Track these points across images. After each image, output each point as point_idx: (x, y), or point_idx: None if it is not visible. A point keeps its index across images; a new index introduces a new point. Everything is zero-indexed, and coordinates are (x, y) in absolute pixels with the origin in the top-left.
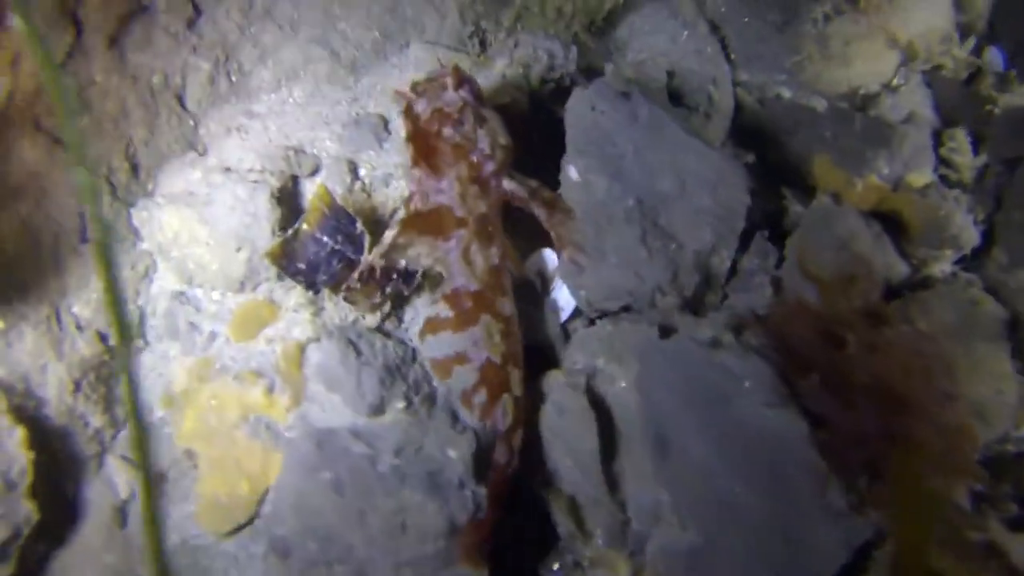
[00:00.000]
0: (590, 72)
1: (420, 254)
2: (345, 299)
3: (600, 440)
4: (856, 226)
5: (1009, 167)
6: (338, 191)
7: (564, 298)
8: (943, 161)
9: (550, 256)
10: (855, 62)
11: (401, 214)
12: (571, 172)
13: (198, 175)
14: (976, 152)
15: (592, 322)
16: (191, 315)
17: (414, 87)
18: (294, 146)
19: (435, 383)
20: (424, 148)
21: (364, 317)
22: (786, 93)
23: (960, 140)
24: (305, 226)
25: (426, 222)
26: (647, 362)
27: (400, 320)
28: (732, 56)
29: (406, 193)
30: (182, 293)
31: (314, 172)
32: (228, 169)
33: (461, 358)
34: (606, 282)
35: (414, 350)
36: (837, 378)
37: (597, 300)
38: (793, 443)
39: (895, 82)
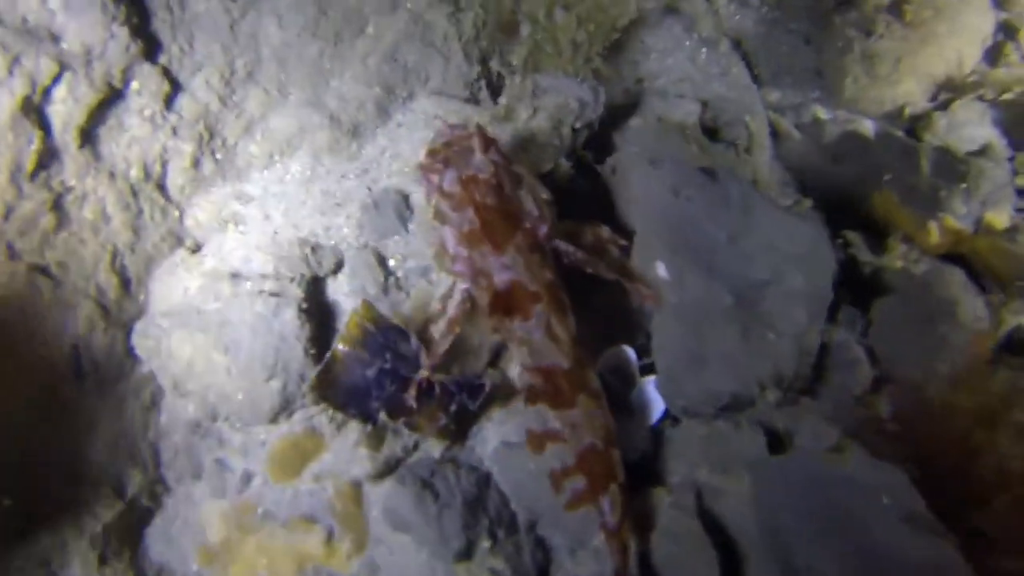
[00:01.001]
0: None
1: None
2: (407, 426)
3: (721, 570)
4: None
5: None
6: (371, 292)
7: (653, 399)
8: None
9: (630, 354)
10: (905, 80)
11: (456, 307)
12: (660, 270)
13: (197, 282)
14: None
15: (675, 419)
16: (215, 450)
17: (433, 155)
18: (307, 239)
19: (512, 505)
20: (470, 224)
21: (429, 443)
22: (823, 114)
23: None
24: (342, 346)
25: (500, 305)
26: (760, 476)
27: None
28: (757, 72)
29: (443, 284)
30: (198, 424)
31: (337, 269)
32: (236, 275)
33: (556, 436)
34: (708, 389)
35: (487, 475)
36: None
37: (697, 406)
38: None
39: (954, 103)
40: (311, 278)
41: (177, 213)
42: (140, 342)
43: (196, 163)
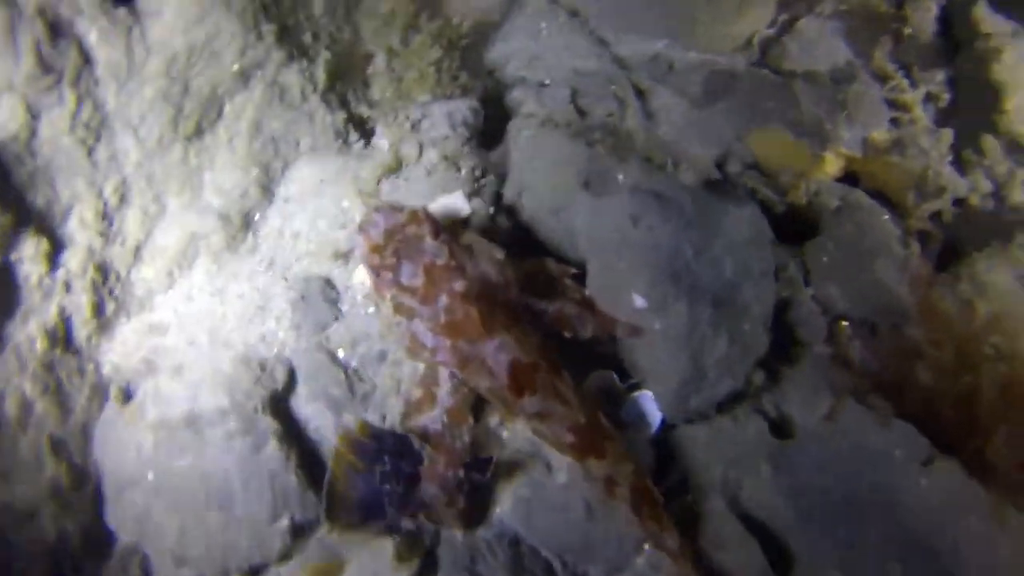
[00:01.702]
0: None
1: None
2: (428, 520)
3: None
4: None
5: (950, 84)
6: (336, 394)
7: (650, 412)
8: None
9: (612, 376)
10: (749, 11)
11: (453, 396)
12: (637, 302)
13: (150, 438)
14: (912, 82)
15: (672, 426)
16: None
17: (379, 250)
18: (247, 356)
19: (543, 553)
20: (447, 315)
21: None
22: (677, 59)
23: (894, 77)
24: (336, 476)
25: (515, 389)
26: (778, 469)
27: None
28: (601, 36)
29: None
30: None
31: (291, 379)
32: (192, 420)
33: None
34: (711, 397)
35: (515, 534)
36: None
37: (701, 410)
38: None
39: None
40: (270, 398)
41: (92, 366)
42: (120, 524)
43: (97, 309)
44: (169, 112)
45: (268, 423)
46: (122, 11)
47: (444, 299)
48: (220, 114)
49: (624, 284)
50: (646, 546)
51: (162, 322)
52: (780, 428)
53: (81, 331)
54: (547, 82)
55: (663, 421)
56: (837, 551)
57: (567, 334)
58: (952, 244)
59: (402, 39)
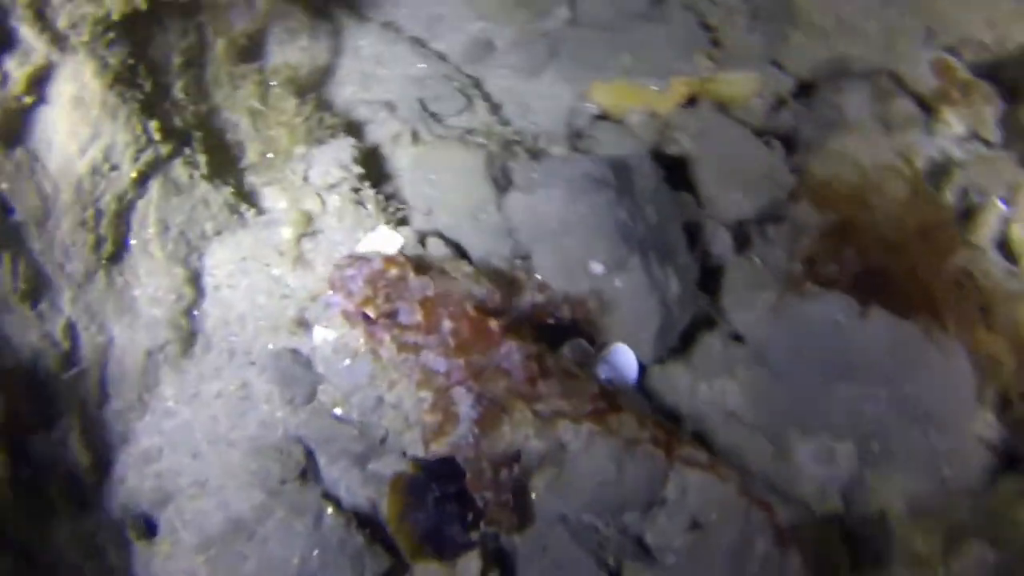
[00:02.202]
0: None
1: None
2: (489, 526)
3: None
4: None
5: None
6: (357, 451)
7: (626, 364)
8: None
9: (583, 342)
10: None
11: (476, 408)
12: (595, 269)
13: (202, 564)
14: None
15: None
16: None
17: (370, 301)
18: (257, 448)
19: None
20: (454, 337)
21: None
22: (495, 38)
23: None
24: (392, 519)
25: (532, 382)
26: (750, 364)
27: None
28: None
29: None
30: None
31: (308, 452)
32: (240, 527)
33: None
34: (678, 331)
35: (560, 514)
36: None
37: (671, 346)
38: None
39: None
40: (300, 476)
41: (99, 515)
42: None
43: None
44: (90, 239)
45: (315, 497)
46: (19, 151)
47: (447, 324)
48: (128, 225)
49: (577, 258)
50: (670, 474)
51: (152, 448)
52: (736, 336)
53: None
54: (390, 98)
55: (641, 369)
56: (821, 410)
57: (550, 321)
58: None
59: (259, 98)
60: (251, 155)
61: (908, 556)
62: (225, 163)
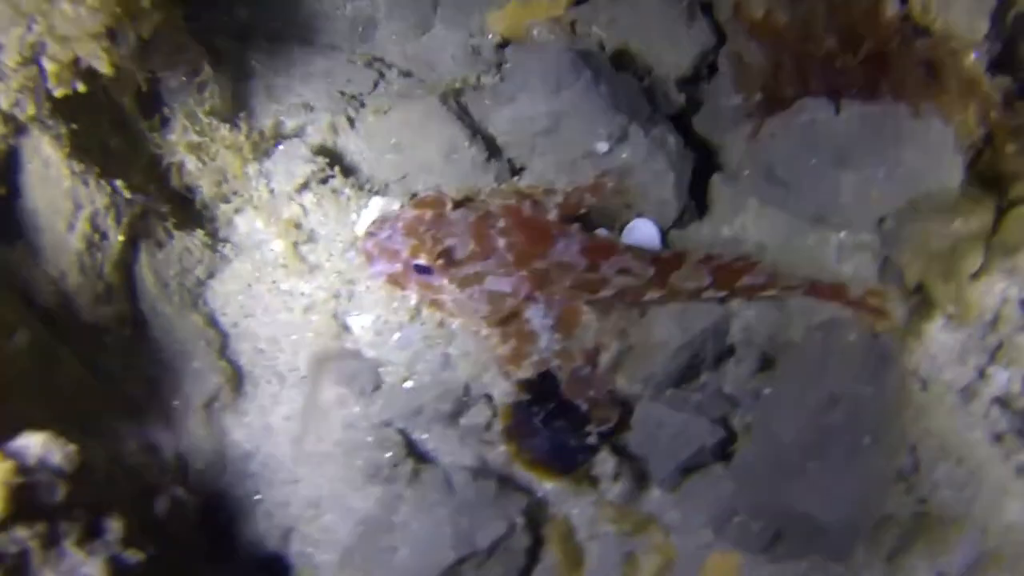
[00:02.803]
0: None
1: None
2: (599, 423)
3: None
4: None
5: None
6: (445, 409)
7: (647, 234)
8: None
9: (604, 229)
10: None
11: (552, 315)
12: (600, 148)
13: None
14: None
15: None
16: None
17: (418, 249)
18: (352, 446)
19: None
20: (511, 249)
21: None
22: None
23: None
24: (514, 456)
25: (588, 269)
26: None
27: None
28: None
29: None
30: None
31: (402, 435)
32: (375, 525)
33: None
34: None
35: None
36: None
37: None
38: None
39: None
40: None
41: None
42: None
43: None
44: (109, 312)
45: (432, 467)
46: (19, 244)
47: (501, 241)
48: (134, 292)
49: (578, 144)
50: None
51: (245, 493)
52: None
53: None
54: (306, 100)
55: (662, 235)
56: (836, 203)
57: (583, 210)
58: None
59: (198, 130)
60: (207, 190)
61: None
62: (187, 206)
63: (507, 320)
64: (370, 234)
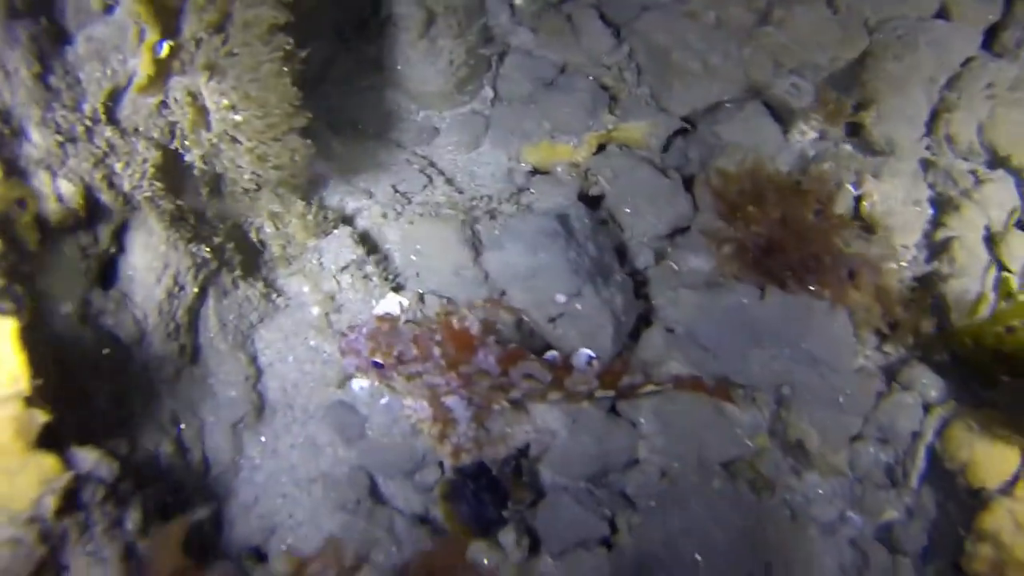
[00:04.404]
0: None
1: None
2: (516, 502)
3: None
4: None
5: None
6: (407, 466)
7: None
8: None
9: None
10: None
11: (468, 409)
12: (560, 299)
13: None
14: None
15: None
16: None
17: (377, 351)
18: (333, 484)
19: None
20: (445, 357)
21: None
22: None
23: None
24: (444, 515)
25: (501, 374)
26: (691, 346)
27: None
28: None
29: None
30: None
31: (372, 480)
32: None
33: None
34: (625, 334)
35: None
36: None
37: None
38: None
39: None
40: (370, 497)
41: None
42: None
43: None
44: (175, 347)
45: (384, 509)
46: (113, 292)
47: (436, 350)
48: (197, 330)
49: (545, 293)
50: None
51: (248, 498)
52: (669, 329)
53: None
54: (367, 187)
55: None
56: (743, 371)
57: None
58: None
59: (282, 204)
60: (274, 250)
61: (824, 466)
62: (253, 261)
63: (437, 407)
64: (343, 336)
